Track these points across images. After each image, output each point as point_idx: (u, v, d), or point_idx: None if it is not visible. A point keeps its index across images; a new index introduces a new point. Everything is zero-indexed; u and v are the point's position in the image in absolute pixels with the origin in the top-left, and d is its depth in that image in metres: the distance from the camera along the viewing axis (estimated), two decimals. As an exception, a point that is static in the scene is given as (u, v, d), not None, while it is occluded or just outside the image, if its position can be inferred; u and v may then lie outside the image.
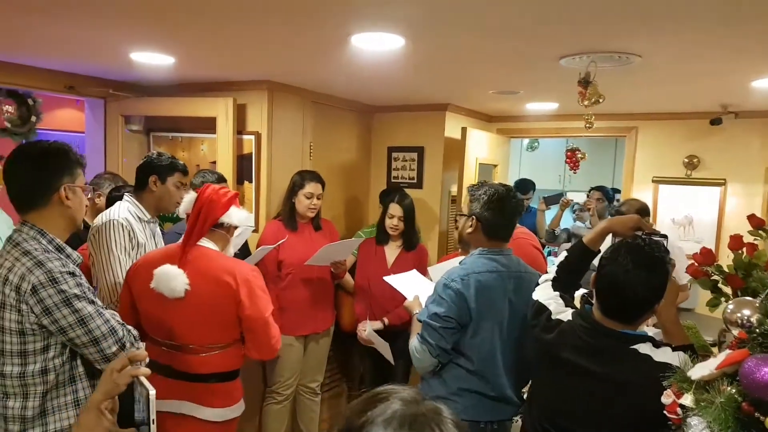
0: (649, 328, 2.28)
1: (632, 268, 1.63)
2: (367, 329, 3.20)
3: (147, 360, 1.30)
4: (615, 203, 4.39)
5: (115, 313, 1.90)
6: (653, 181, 4.33)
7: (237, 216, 2.19)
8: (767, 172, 3.89)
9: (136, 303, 2.19)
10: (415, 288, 2.57)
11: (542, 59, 2.57)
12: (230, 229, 2.23)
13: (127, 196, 2.55)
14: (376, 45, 2.34)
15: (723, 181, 4.09)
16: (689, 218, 4.22)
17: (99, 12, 2.06)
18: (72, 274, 1.66)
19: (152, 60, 2.80)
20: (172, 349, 2.13)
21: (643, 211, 3.79)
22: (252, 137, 3.41)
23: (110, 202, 2.71)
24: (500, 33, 2.17)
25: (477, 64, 2.75)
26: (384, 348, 3.16)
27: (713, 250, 1.80)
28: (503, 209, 2.15)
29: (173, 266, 2.07)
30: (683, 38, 2.17)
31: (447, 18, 2.00)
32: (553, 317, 1.85)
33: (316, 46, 2.46)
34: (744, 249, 1.72)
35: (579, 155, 3.13)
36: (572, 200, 4.33)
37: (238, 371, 2.25)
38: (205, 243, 2.15)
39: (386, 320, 3.31)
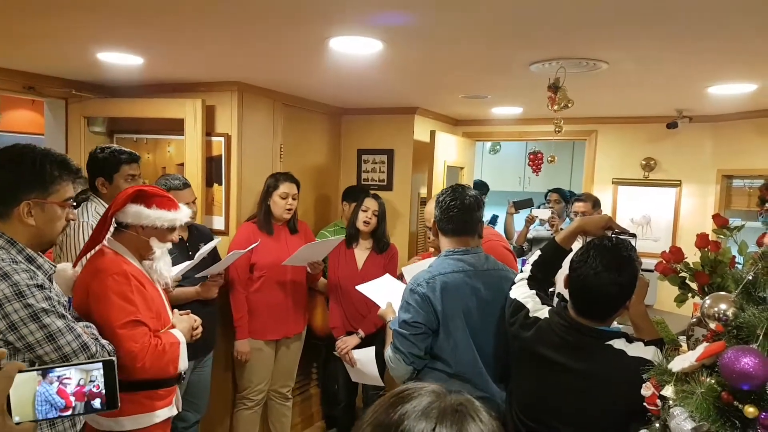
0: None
1: (602, 270, 1.69)
2: (356, 356, 3.23)
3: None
4: (571, 204, 4.52)
5: (91, 325, 1.83)
6: (613, 182, 4.49)
7: (132, 213, 2.00)
8: (719, 174, 4.09)
9: None
10: (387, 294, 2.51)
11: (514, 65, 2.64)
12: (137, 228, 2.03)
13: (92, 196, 2.48)
14: (354, 49, 2.35)
15: (678, 183, 4.28)
16: (647, 218, 4.39)
17: (68, 10, 2.00)
18: (40, 287, 1.57)
19: (120, 60, 2.72)
20: None
21: (597, 202, 3.98)
22: (221, 139, 3.36)
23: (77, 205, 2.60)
24: (476, 38, 2.22)
25: (451, 68, 2.80)
26: (369, 366, 3.19)
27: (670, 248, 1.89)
28: (455, 206, 2.12)
29: (67, 265, 2.05)
30: (648, 45, 2.26)
31: (426, 23, 2.03)
32: (530, 315, 1.90)
33: (292, 49, 2.45)
34: (709, 247, 1.82)
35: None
36: (536, 217, 4.46)
37: (140, 382, 1.99)
38: (109, 243, 2.05)
39: (362, 332, 3.31)
